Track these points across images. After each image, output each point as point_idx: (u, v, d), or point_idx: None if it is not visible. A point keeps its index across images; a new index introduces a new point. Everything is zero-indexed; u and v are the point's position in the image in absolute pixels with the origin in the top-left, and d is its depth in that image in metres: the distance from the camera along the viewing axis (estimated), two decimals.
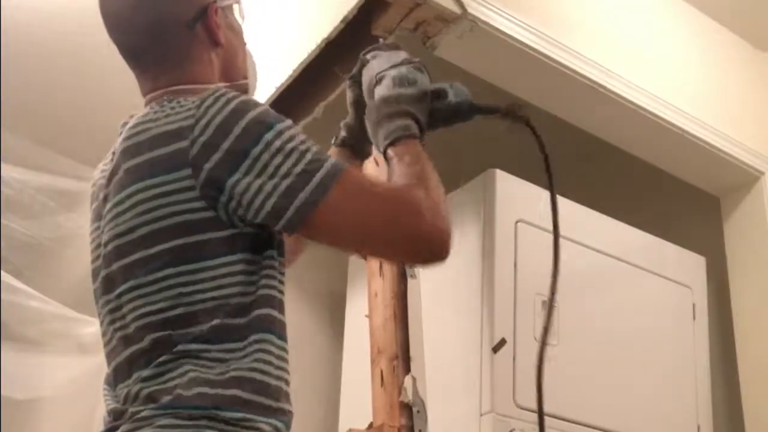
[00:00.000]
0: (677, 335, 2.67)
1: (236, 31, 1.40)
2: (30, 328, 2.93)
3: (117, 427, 1.13)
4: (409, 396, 1.89)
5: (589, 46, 2.56)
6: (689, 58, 2.89)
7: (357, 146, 1.65)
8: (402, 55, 1.43)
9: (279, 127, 1.16)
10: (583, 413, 2.36)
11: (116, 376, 1.19)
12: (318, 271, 3.43)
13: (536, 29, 2.43)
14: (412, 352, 1.95)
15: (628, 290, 2.62)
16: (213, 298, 1.14)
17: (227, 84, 1.33)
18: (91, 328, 2.73)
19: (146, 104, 1.32)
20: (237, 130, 1.14)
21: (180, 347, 1.13)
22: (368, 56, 1.46)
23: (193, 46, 1.32)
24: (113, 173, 1.25)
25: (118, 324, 1.20)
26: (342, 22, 2.32)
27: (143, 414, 1.10)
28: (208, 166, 1.14)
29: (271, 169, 1.13)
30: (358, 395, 2.03)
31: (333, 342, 3.22)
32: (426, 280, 2.54)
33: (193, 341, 1.13)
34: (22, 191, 2.87)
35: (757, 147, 2.90)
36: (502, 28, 2.35)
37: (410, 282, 2.05)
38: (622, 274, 2.62)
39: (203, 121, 1.15)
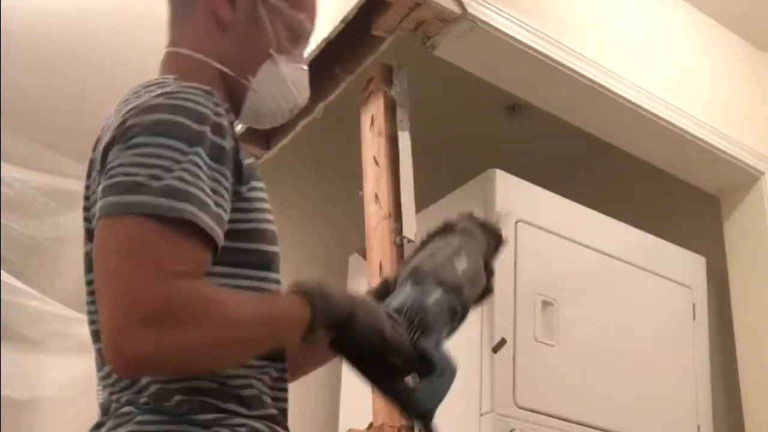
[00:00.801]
0: (677, 335, 2.67)
1: (255, 19, 1.21)
2: (30, 328, 2.93)
3: (104, 423, 1.13)
4: None
5: (589, 46, 2.56)
6: (689, 58, 2.89)
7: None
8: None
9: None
10: (583, 413, 2.36)
11: (101, 356, 1.15)
12: (318, 270, 3.43)
13: (536, 29, 2.43)
14: None
15: (628, 290, 2.62)
16: None
17: (226, 71, 1.19)
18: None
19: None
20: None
21: None
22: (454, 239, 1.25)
23: (191, 21, 1.20)
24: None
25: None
26: (342, 22, 2.32)
27: (124, 410, 1.08)
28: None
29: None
30: (358, 395, 2.02)
31: None
32: None
33: None
34: (22, 191, 2.86)
35: (757, 147, 2.90)
36: (502, 28, 2.35)
37: None
38: (622, 274, 2.62)
39: None
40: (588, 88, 2.54)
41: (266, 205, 1.12)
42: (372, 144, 2.30)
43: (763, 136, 2.94)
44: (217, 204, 1.02)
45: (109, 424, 1.10)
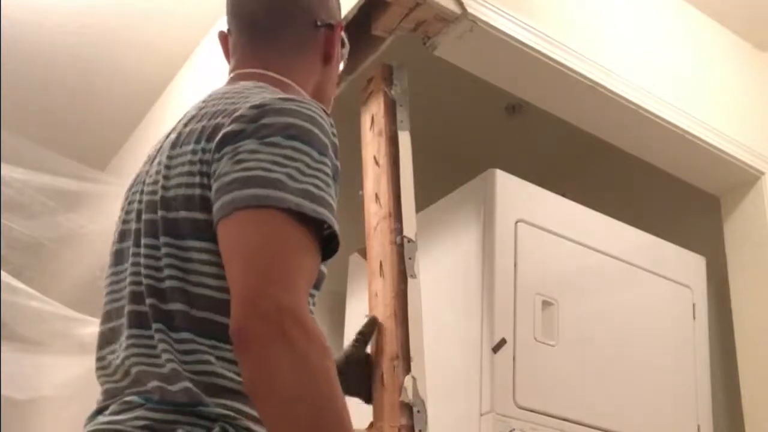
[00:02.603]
0: (677, 335, 2.67)
1: (338, 60, 1.40)
2: (30, 328, 2.93)
3: (107, 407, 1.12)
4: (409, 396, 1.88)
5: (589, 46, 2.56)
6: (689, 57, 2.89)
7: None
8: None
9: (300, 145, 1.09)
10: (583, 413, 2.36)
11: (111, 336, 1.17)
12: None
13: (536, 29, 2.43)
14: (413, 352, 1.95)
15: (628, 290, 2.62)
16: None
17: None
18: (91, 328, 2.73)
19: (232, 80, 1.30)
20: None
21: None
22: None
23: (309, 45, 1.32)
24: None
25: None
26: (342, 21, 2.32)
27: (129, 398, 1.09)
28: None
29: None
30: None
31: (333, 342, 3.22)
32: (426, 280, 2.54)
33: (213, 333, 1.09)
34: (22, 191, 2.87)
35: (757, 147, 2.90)
36: (502, 28, 2.35)
37: (410, 282, 2.05)
38: (622, 274, 2.61)
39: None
40: (588, 88, 2.54)
41: None
42: (372, 144, 2.29)
43: (763, 136, 2.94)
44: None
45: (113, 408, 1.10)
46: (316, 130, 1.10)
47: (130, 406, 1.08)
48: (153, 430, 1.04)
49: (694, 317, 2.72)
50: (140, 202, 1.20)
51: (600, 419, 2.39)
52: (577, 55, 2.51)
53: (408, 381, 1.89)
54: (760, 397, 2.68)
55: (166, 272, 1.11)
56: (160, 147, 1.24)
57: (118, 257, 1.21)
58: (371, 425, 1.94)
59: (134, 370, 1.10)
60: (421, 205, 2.61)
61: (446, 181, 2.56)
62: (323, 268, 1.15)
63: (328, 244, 1.08)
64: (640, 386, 2.52)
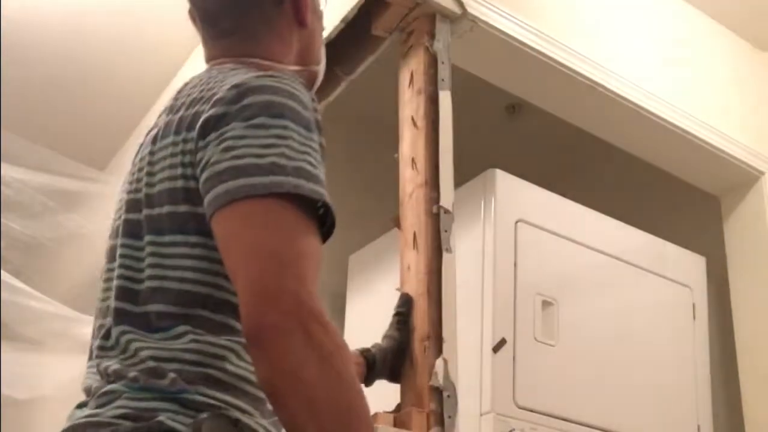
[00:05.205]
0: (677, 335, 2.67)
1: (318, 16, 1.38)
2: (30, 328, 2.93)
3: (86, 404, 1.10)
4: (440, 380, 1.79)
5: (589, 46, 2.56)
6: (689, 58, 2.89)
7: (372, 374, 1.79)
8: None
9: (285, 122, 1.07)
10: (583, 413, 2.36)
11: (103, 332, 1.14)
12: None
13: (536, 29, 2.43)
14: (445, 333, 1.84)
15: (628, 290, 2.62)
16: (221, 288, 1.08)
17: (300, 68, 1.30)
18: (91, 327, 2.73)
19: (207, 70, 1.27)
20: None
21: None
22: None
23: (277, 21, 1.28)
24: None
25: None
26: (342, 22, 2.32)
27: (108, 388, 1.06)
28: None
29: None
30: (378, 382, 1.97)
31: None
32: None
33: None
34: (22, 191, 2.87)
35: (757, 147, 2.90)
36: (502, 27, 2.35)
37: (446, 257, 1.93)
38: (622, 274, 2.62)
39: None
40: (588, 88, 2.54)
41: None
42: (410, 103, 2.13)
43: (763, 136, 2.94)
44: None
45: (92, 404, 1.07)
46: (298, 107, 1.08)
47: (111, 398, 1.05)
48: (132, 419, 1.01)
49: (694, 317, 2.72)
50: (123, 201, 1.18)
51: (600, 419, 2.39)
52: (577, 55, 2.51)
53: (439, 364, 1.79)
54: (760, 397, 2.68)
55: (148, 272, 1.09)
56: (143, 143, 1.22)
57: (110, 255, 1.19)
58: (398, 407, 1.85)
59: (110, 367, 1.08)
60: None
61: None
62: None
63: (323, 222, 1.06)
64: (640, 386, 2.52)
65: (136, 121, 3.49)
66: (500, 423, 2.17)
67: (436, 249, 1.93)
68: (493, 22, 2.32)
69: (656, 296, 2.67)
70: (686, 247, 2.81)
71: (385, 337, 1.86)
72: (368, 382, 1.76)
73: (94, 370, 1.12)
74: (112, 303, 1.12)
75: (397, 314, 1.89)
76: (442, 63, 2.15)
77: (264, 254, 0.98)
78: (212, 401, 1.03)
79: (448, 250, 1.93)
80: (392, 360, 1.80)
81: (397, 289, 1.97)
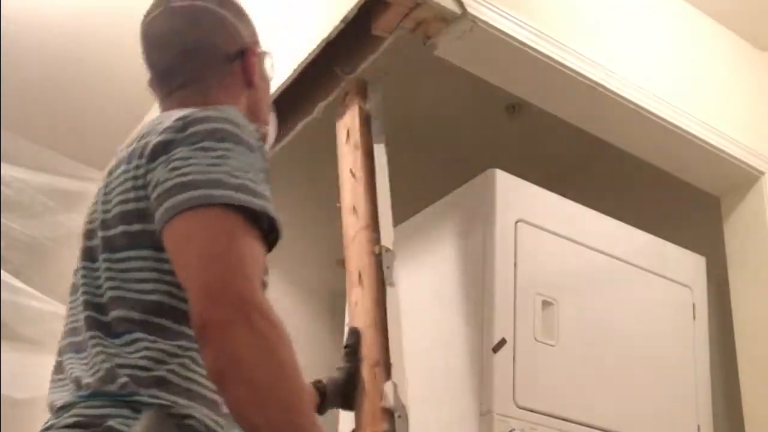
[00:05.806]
0: (677, 335, 2.67)
1: (265, 81, 1.45)
2: (30, 328, 2.93)
3: (53, 425, 1.12)
4: (390, 401, 1.90)
5: (589, 46, 2.56)
6: (689, 57, 2.89)
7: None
8: None
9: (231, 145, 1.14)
10: (583, 413, 2.36)
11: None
12: (316, 269, 3.43)
13: (536, 29, 2.43)
14: (393, 358, 1.96)
15: (628, 290, 2.62)
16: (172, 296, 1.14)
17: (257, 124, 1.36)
18: None
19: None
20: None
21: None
22: None
23: (227, 79, 1.36)
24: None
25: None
26: (342, 22, 2.32)
27: (64, 402, 1.11)
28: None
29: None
30: None
31: (332, 341, 3.22)
32: (426, 280, 2.54)
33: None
34: (22, 191, 2.87)
35: (757, 147, 2.90)
36: (502, 28, 2.35)
37: (389, 290, 2.07)
38: (622, 274, 2.62)
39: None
40: (588, 88, 2.54)
41: None
42: (348, 157, 2.32)
43: (763, 136, 2.94)
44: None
45: (52, 421, 1.11)
46: (241, 133, 1.16)
47: (67, 409, 1.10)
48: (83, 426, 1.05)
49: (694, 317, 2.72)
50: (82, 233, 1.26)
51: (600, 419, 2.39)
52: (577, 55, 2.51)
53: (389, 386, 1.91)
54: (760, 397, 2.68)
55: (106, 285, 1.16)
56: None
57: (73, 288, 1.26)
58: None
59: (74, 374, 1.14)
60: (421, 205, 2.61)
61: (446, 181, 2.56)
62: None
63: (268, 235, 1.12)
64: (640, 386, 2.52)
65: (136, 121, 3.49)
66: (500, 423, 2.17)
67: (380, 284, 2.07)
68: (493, 22, 2.32)
69: (656, 296, 2.67)
70: (686, 247, 2.81)
71: (337, 369, 1.97)
72: (321, 410, 1.86)
73: (59, 384, 1.17)
74: (82, 314, 1.18)
75: (345, 347, 2.01)
76: (376, 120, 2.35)
77: (208, 258, 1.03)
78: (163, 402, 1.06)
79: (391, 284, 2.07)
80: (343, 388, 1.91)
81: (347, 326, 2.09)
